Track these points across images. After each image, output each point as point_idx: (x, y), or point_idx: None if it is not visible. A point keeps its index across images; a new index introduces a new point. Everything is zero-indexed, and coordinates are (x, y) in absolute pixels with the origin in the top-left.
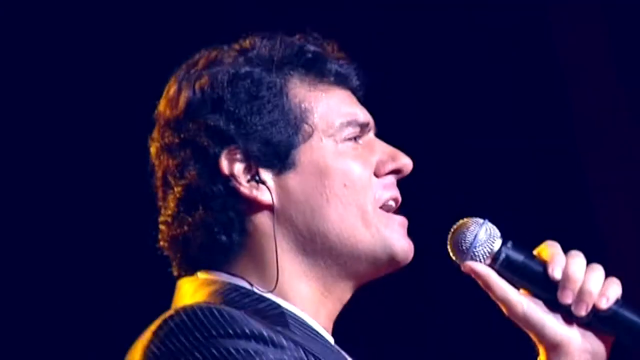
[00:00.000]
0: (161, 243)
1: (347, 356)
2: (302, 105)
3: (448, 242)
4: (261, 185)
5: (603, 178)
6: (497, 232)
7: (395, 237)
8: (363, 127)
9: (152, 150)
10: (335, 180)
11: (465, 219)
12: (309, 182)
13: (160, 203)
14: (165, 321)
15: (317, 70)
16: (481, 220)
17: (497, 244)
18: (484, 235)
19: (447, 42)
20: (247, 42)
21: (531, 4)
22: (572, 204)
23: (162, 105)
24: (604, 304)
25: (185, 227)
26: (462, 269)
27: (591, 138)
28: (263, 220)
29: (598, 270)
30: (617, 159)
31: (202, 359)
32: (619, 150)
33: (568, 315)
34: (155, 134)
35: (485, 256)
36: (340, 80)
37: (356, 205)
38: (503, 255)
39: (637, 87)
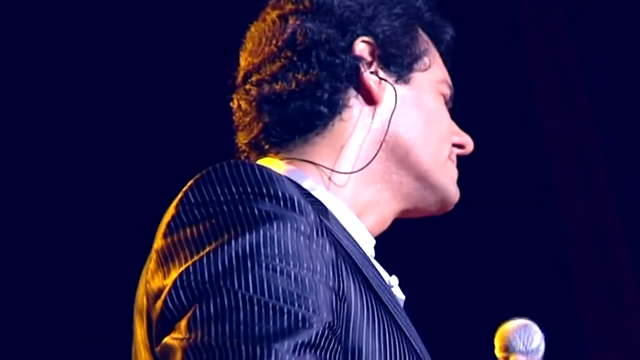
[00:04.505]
0: (244, 106)
1: (381, 269)
2: (425, 44)
3: (502, 333)
4: (381, 82)
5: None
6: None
7: (455, 186)
8: (451, 96)
9: (268, 19)
10: (436, 116)
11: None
12: (416, 103)
13: (257, 63)
14: (208, 171)
15: (436, 32)
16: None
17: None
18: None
19: None
20: None
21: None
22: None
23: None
24: None
25: (292, 84)
26: None
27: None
28: (364, 113)
29: None
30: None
31: (228, 213)
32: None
33: None
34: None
35: None
36: (445, 52)
37: (444, 147)
38: None
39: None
